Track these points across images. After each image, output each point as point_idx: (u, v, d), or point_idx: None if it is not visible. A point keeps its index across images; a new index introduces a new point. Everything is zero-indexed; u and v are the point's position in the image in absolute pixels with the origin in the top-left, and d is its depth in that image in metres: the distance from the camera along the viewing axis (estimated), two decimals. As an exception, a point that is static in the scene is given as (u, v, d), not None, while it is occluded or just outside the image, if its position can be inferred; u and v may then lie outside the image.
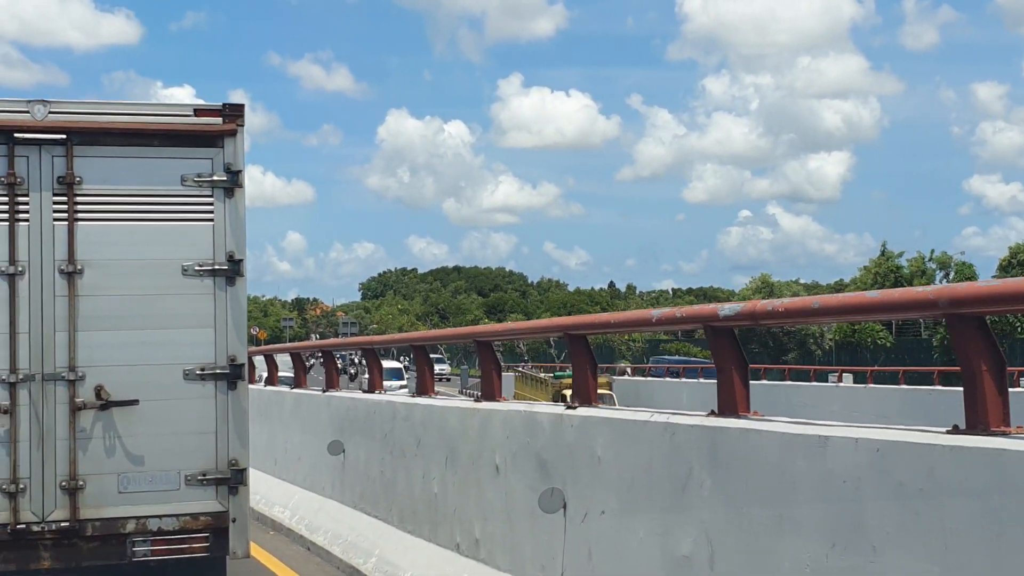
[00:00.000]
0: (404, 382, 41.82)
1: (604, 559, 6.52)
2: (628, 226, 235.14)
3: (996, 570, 3.97)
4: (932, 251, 75.66)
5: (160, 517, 7.61)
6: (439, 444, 9.06)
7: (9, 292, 7.44)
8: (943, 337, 56.21)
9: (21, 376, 7.43)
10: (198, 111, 7.79)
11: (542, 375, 40.08)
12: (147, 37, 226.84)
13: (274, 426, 14.42)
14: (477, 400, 8.61)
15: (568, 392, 21.46)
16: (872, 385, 33.66)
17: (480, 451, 8.26)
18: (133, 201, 7.70)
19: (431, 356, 10.41)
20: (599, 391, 6.43)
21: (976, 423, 4.27)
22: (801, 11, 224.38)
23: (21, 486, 7.40)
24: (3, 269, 7.44)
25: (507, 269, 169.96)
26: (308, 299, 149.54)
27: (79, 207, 7.59)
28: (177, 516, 7.64)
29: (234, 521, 7.73)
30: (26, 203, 7.51)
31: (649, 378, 42.05)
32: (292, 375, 15.26)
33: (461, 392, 44.33)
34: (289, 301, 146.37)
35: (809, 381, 38.60)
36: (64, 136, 7.56)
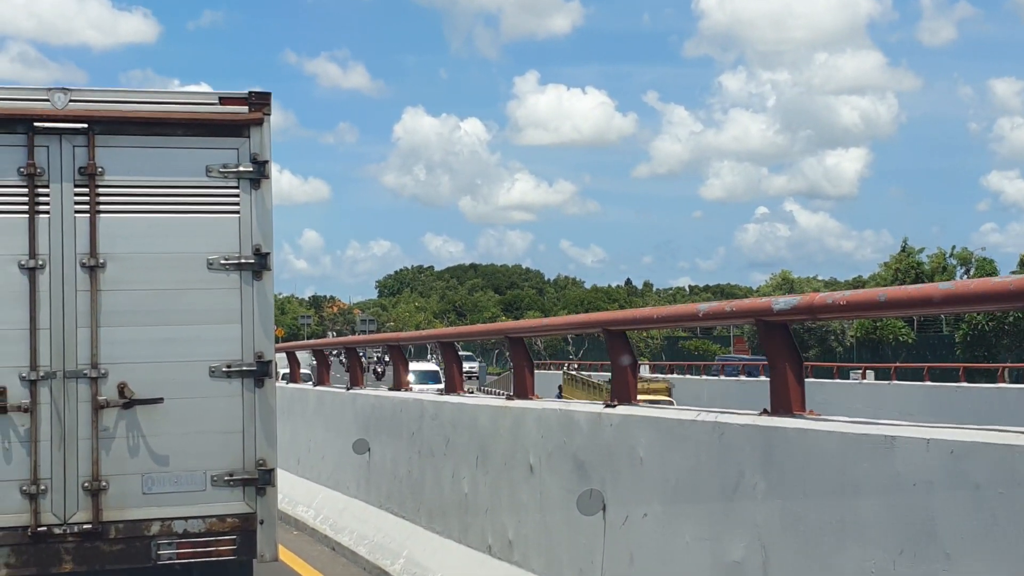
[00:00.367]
0: (442, 386, 41.29)
1: (647, 563, 6.25)
2: (644, 223, 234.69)
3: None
4: (953, 247, 75.15)
5: (186, 519, 7.37)
6: (469, 443, 8.82)
7: (30, 287, 7.21)
8: (966, 333, 55.70)
9: (42, 373, 7.20)
10: (223, 99, 7.55)
11: (592, 377, 38.00)
12: (164, 36, 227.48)
13: (297, 424, 14.19)
14: (509, 398, 8.35)
15: (648, 397, 20.08)
16: (896, 382, 33.28)
17: (513, 451, 8.01)
18: (156, 192, 7.46)
19: (460, 354, 10.15)
20: (658, 397, 6.16)
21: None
22: (818, 7, 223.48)
23: (42, 487, 7.17)
24: (23, 263, 7.21)
25: (524, 266, 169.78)
26: (325, 297, 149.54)
27: (101, 199, 7.36)
28: (203, 518, 7.40)
29: (262, 523, 7.49)
30: (46, 195, 7.28)
31: (716, 378, 40.31)
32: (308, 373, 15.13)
33: (479, 390, 44.09)
34: (306, 299, 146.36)
35: (832, 378, 38.25)
36: (85, 125, 7.32)
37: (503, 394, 9.56)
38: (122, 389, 7.31)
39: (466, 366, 54.46)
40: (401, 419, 10.52)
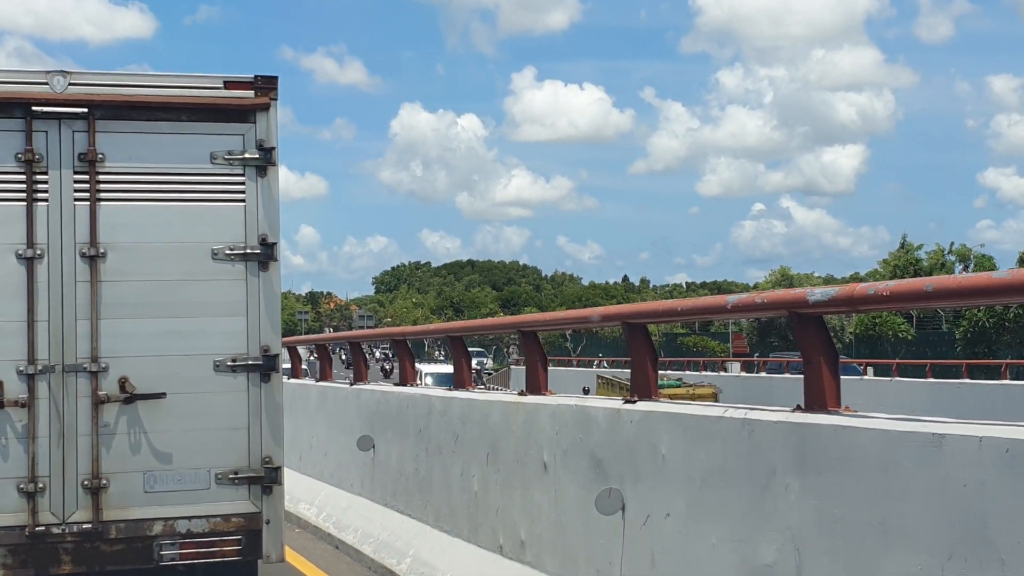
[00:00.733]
0: None
1: (670, 565, 6.01)
2: (641, 220, 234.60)
3: None
4: (952, 244, 75.08)
5: (189, 519, 7.12)
6: (480, 440, 8.57)
7: (27, 277, 6.96)
8: (966, 330, 55.50)
9: (40, 367, 6.95)
10: (228, 83, 7.30)
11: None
12: (161, 31, 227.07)
13: (298, 420, 13.93)
14: (521, 393, 8.11)
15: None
16: (898, 378, 33.03)
17: (526, 448, 7.76)
18: (159, 180, 7.21)
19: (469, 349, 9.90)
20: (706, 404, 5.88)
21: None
22: (815, 3, 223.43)
23: (40, 485, 6.92)
24: (21, 252, 6.96)
25: (521, 263, 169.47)
26: (322, 293, 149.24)
27: (101, 186, 7.10)
28: (207, 517, 7.15)
29: (268, 523, 7.25)
30: (45, 182, 7.03)
31: (778, 376, 39.17)
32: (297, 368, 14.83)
33: (481, 386, 43.68)
34: (303, 295, 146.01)
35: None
36: (85, 110, 7.07)
37: (499, 389, 9.35)
38: (123, 384, 7.06)
39: (475, 362, 54.08)
40: (407, 415, 10.27)
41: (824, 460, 4.85)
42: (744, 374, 41.90)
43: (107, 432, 7.05)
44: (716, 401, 27.20)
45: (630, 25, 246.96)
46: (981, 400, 27.34)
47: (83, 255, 7.05)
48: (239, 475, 7.21)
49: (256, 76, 7.33)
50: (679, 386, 25.50)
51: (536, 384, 7.98)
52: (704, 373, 39.24)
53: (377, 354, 63.87)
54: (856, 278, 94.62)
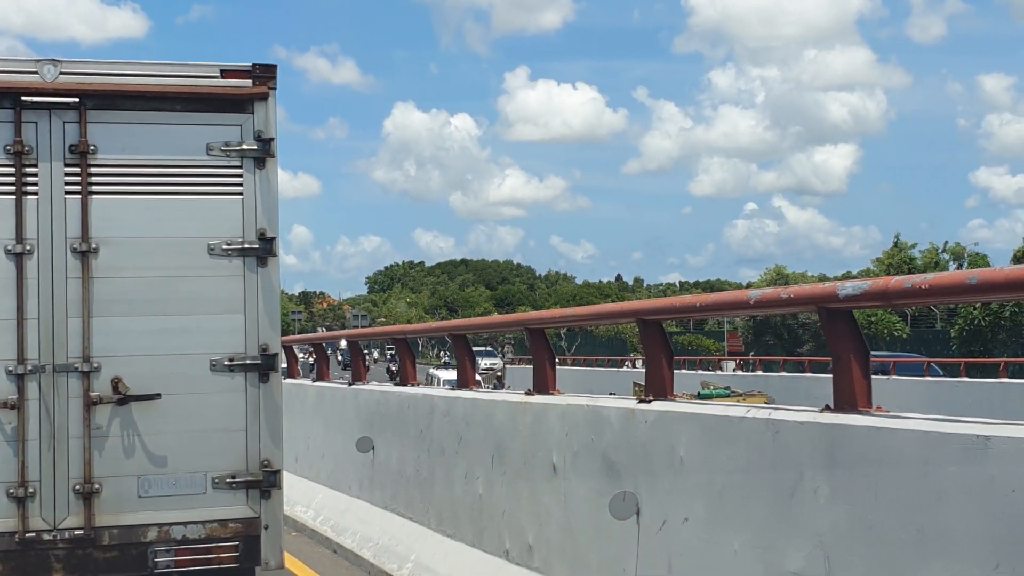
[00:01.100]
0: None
1: (689, 572, 5.76)
2: (635, 219, 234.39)
3: None
4: (945, 242, 75.06)
5: (185, 524, 6.85)
6: (484, 441, 8.32)
7: (16, 273, 6.68)
8: (962, 328, 55.34)
9: (30, 367, 6.68)
10: (225, 72, 7.03)
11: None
12: (153, 31, 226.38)
13: (295, 421, 13.65)
14: (528, 393, 7.85)
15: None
16: (895, 376, 32.79)
17: (534, 449, 7.51)
18: (153, 172, 6.94)
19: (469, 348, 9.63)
20: None
21: None
22: (808, 3, 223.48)
23: (31, 490, 6.65)
24: (9, 248, 6.68)
25: (515, 262, 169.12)
26: (315, 292, 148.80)
27: (94, 179, 6.83)
28: (204, 523, 6.88)
29: (267, 528, 6.98)
30: (35, 174, 6.75)
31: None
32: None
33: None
34: (296, 295, 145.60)
35: (828, 373, 37.73)
36: (77, 99, 6.79)
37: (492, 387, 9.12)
38: (116, 384, 6.79)
39: (487, 362, 53.51)
40: (408, 416, 10.01)
41: (857, 463, 4.61)
42: (740, 373, 41.70)
43: (99, 434, 6.78)
44: None
45: (623, 25, 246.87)
46: (980, 399, 27.13)
47: (74, 250, 6.78)
48: (237, 479, 6.95)
49: (254, 64, 7.06)
50: (727, 395, 25.09)
51: (544, 383, 7.72)
52: (700, 372, 38.97)
53: (376, 355, 63.24)
54: (849, 277, 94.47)
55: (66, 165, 6.79)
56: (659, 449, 6.01)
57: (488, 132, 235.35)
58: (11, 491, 6.61)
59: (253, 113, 7.06)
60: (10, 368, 6.65)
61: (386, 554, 9.61)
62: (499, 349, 69.54)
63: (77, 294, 6.76)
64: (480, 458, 8.36)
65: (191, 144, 6.98)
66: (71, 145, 6.80)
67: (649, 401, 6.24)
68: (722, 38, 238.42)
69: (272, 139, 7.08)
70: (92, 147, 6.82)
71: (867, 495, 4.56)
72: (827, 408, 4.94)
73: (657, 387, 6.25)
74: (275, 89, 7.10)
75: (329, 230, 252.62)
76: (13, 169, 6.71)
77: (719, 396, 28.79)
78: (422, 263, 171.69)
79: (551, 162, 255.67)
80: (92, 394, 6.75)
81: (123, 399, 6.78)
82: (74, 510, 6.71)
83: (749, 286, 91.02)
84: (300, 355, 22.38)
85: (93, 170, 6.82)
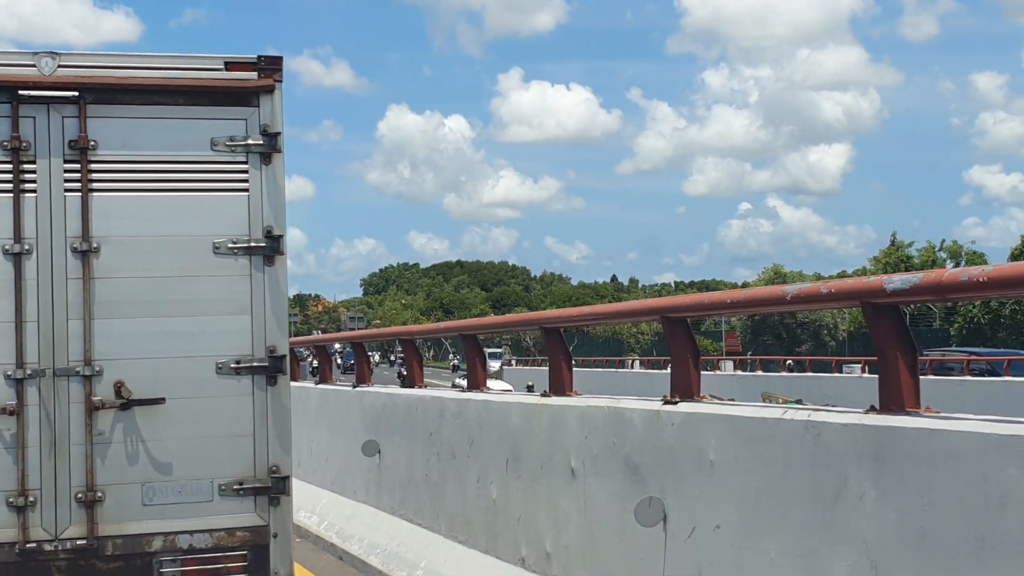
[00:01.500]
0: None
1: (720, 581, 5.52)
2: (629, 219, 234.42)
3: None
4: (942, 241, 74.99)
5: (191, 533, 6.58)
6: (498, 444, 8.07)
7: (14, 274, 6.41)
8: (961, 327, 55.22)
9: (29, 372, 6.40)
10: (229, 64, 6.76)
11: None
12: (146, 35, 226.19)
13: (298, 424, 13.31)
14: (544, 395, 7.61)
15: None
16: (1012, 378, 32.14)
17: (551, 453, 7.26)
18: (156, 168, 6.67)
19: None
20: None
21: None
22: (800, 3, 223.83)
23: (31, 499, 6.37)
24: (7, 248, 6.41)
25: (510, 263, 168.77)
26: (309, 295, 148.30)
27: (94, 176, 6.56)
28: (210, 532, 6.61)
29: (276, 537, 6.72)
30: (33, 171, 6.48)
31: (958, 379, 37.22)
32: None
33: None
34: (290, 297, 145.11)
35: (831, 372, 37.59)
36: (76, 93, 6.51)
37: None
38: (119, 389, 6.52)
39: (494, 364, 52.96)
40: (417, 418, 9.76)
41: (908, 467, 4.36)
42: (740, 373, 41.50)
43: (102, 441, 6.51)
44: None
45: (616, 26, 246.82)
46: (981, 397, 26.88)
47: (75, 250, 6.51)
48: (244, 486, 6.69)
49: (259, 56, 6.80)
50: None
51: (560, 384, 7.48)
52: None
53: (376, 357, 62.56)
54: (844, 275, 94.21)
55: (65, 161, 6.52)
56: (687, 452, 5.77)
57: (482, 134, 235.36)
58: (11, 500, 6.34)
59: (259, 107, 6.80)
60: (9, 373, 6.38)
61: (395, 560, 9.36)
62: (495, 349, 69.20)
63: (78, 295, 6.50)
64: (494, 462, 8.11)
65: (195, 139, 6.72)
66: (70, 141, 6.53)
67: (675, 402, 5.99)
68: (715, 38, 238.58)
69: (279, 133, 6.82)
70: (92, 142, 6.55)
71: (919, 500, 4.31)
72: (872, 409, 4.70)
73: (683, 388, 6.00)
74: (281, 82, 6.84)
75: (323, 233, 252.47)
76: (10, 166, 6.44)
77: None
78: (417, 265, 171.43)
79: (545, 163, 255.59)
80: (94, 399, 6.49)
81: (126, 404, 6.51)
82: (76, 519, 6.44)
83: (745, 285, 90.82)
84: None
85: (93, 166, 6.56)
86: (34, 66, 6.48)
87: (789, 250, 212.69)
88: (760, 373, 39.88)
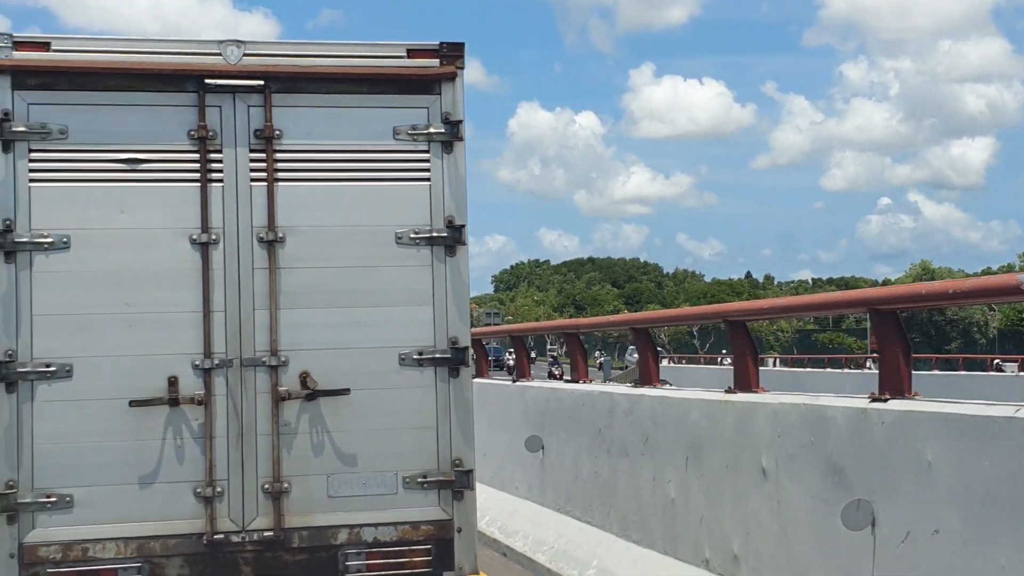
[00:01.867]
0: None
1: (939, 590, 5.17)
2: (764, 215, 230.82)
3: None
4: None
5: (375, 526, 6.50)
6: (676, 442, 7.81)
7: (202, 264, 6.42)
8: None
9: (217, 361, 6.40)
10: (411, 52, 6.67)
11: None
12: (284, 35, 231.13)
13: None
14: (729, 391, 7.32)
15: None
16: None
17: (737, 451, 6.98)
18: (339, 158, 6.61)
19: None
20: None
21: None
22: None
23: (219, 489, 6.37)
24: (194, 237, 6.42)
25: (641, 260, 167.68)
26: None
27: (279, 165, 6.53)
28: (395, 525, 6.53)
29: (460, 531, 6.61)
30: (219, 161, 6.48)
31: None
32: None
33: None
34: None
35: (985, 370, 36.27)
36: (261, 82, 6.49)
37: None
38: (304, 379, 6.48)
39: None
40: (583, 414, 9.56)
41: None
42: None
43: (288, 432, 6.47)
44: None
45: (751, 19, 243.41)
46: None
47: (260, 240, 6.49)
48: (428, 479, 6.59)
49: (441, 43, 6.69)
50: None
51: (746, 380, 7.19)
52: (846, 371, 37.75)
53: (550, 358, 62.05)
54: (988, 272, 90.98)
55: (251, 151, 6.51)
56: (901, 454, 5.43)
57: (613, 130, 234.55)
58: (198, 491, 6.35)
59: (440, 95, 6.70)
60: (197, 363, 6.39)
61: (563, 559, 9.18)
62: (630, 346, 68.57)
63: (263, 285, 6.48)
64: (671, 460, 7.86)
65: (377, 128, 6.64)
66: (256, 130, 6.51)
67: (885, 399, 5.66)
68: (853, 30, 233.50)
69: (460, 121, 6.71)
70: (277, 132, 6.52)
71: None
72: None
73: (894, 384, 5.67)
74: (463, 68, 6.72)
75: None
76: (197, 155, 6.45)
77: None
78: (547, 262, 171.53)
79: (677, 159, 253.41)
80: (280, 389, 6.45)
81: (311, 395, 6.46)
82: (263, 510, 6.42)
83: (887, 283, 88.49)
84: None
85: (279, 156, 6.53)
86: (220, 55, 6.47)
87: (932, 247, 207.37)
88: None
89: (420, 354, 6.60)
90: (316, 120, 6.58)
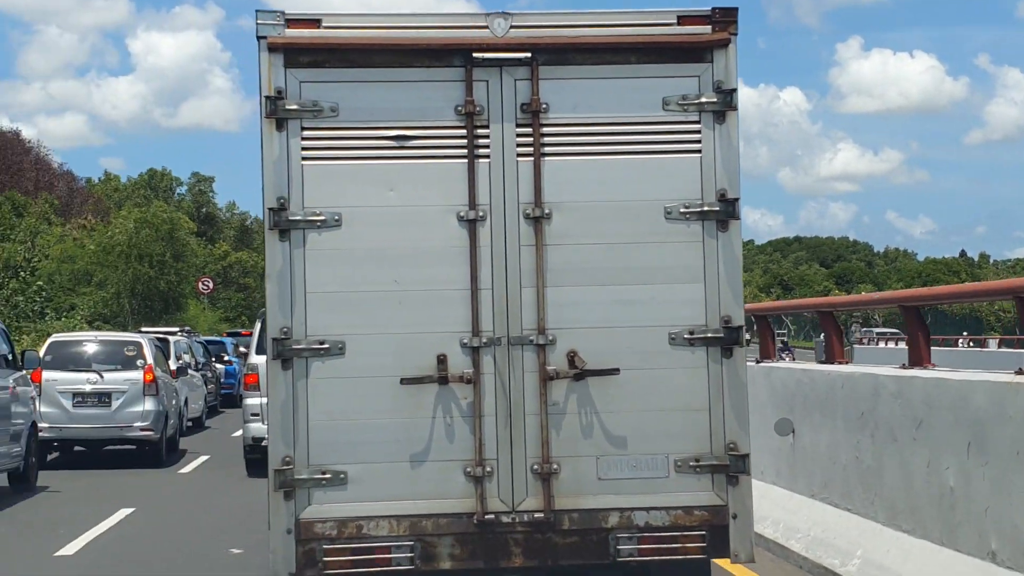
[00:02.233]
0: None
1: None
2: (978, 192, 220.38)
3: None
4: None
5: (647, 510, 6.32)
6: (955, 427, 7.33)
7: (469, 241, 6.35)
8: None
9: (485, 340, 6.33)
10: (682, 19, 6.44)
11: None
12: (548, 5, 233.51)
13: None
14: (1020, 372, 6.81)
15: None
16: None
17: (1032, 438, 6.48)
18: (607, 131, 6.44)
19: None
20: None
21: None
22: None
23: (488, 469, 6.30)
24: (463, 215, 6.36)
25: (850, 239, 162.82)
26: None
27: (546, 140, 6.40)
28: (667, 509, 6.33)
29: (735, 517, 6.37)
30: (486, 136, 6.39)
31: None
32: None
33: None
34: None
35: None
36: (529, 55, 6.37)
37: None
38: (572, 358, 6.34)
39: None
40: (839, 397, 9.14)
41: None
42: None
43: (556, 412, 6.35)
44: None
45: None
46: None
47: (527, 216, 6.38)
48: (701, 463, 6.36)
49: (713, 9, 6.43)
50: None
51: (1040, 362, 6.66)
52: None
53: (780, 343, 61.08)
54: None
55: (517, 125, 6.40)
56: None
57: (819, 106, 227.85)
58: (468, 470, 6.30)
59: (712, 62, 6.44)
60: (465, 341, 6.33)
61: (822, 547, 8.81)
62: (849, 327, 66.56)
63: (530, 263, 6.37)
64: (949, 446, 7.39)
65: (646, 99, 6.43)
66: (522, 104, 6.39)
67: None
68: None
69: (733, 90, 6.43)
70: (544, 105, 6.39)
71: None
72: None
73: None
74: (736, 35, 6.44)
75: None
76: (464, 131, 6.38)
77: None
78: (751, 241, 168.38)
79: (886, 134, 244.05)
80: (548, 368, 6.33)
81: (580, 374, 6.32)
82: (532, 491, 6.32)
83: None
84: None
85: (545, 130, 6.40)
86: (487, 28, 6.38)
87: None
88: None
89: (691, 333, 6.38)
90: (583, 92, 6.42)
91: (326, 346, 6.28)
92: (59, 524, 12.74)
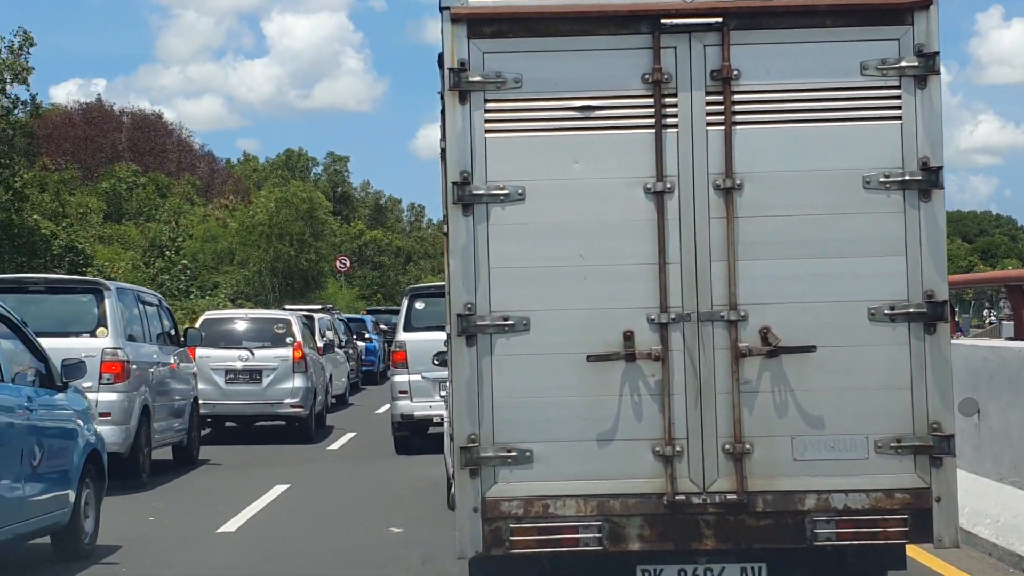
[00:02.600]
0: None
1: None
2: None
3: None
4: None
5: (846, 492, 6.05)
6: None
7: (656, 215, 6.15)
8: None
9: (673, 316, 6.12)
10: (880, -21, 6.10)
11: None
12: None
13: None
14: None
15: None
16: None
17: None
18: (800, 98, 6.15)
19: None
20: None
21: None
22: None
23: (678, 449, 6.11)
24: (650, 187, 6.15)
25: (992, 212, 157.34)
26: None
27: (737, 107, 6.14)
28: (867, 492, 6.05)
29: (939, 501, 6.06)
30: (674, 105, 6.17)
31: None
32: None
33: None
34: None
35: None
36: (719, 20, 6.12)
37: None
38: (765, 335, 6.09)
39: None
40: (1031, 376, 8.71)
41: None
42: None
43: (748, 390, 6.12)
44: None
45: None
46: None
47: (716, 187, 6.14)
48: (902, 444, 6.06)
49: (917, -32, 6.08)
50: None
51: None
52: None
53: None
54: None
55: (707, 93, 6.16)
56: None
57: (958, 77, 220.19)
58: (657, 449, 6.11)
59: (913, 24, 6.10)
60: (653, 317, 6.14)
61: (1014, 533, 8.42)
62: (983, 304, 64.27)
63: (720, 236, 6.13)
64: None
65: (841, 64, 6.13)
66: (712, 71, 6.15)
67: None
68: None
69: (936, 53, 6.09)
70: (735, 72, 6.13)
71: None
72: None
73: None
74: (938, -6, 6.09)
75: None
76: (651, 99, 6.16)
77: None
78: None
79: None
80: (740, 345, 6.10)
81: (773, 351, 6.07)
82: (724, 472, 6.10)
83: None
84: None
85: (736, 98, 6.14)
86: (675, -8, 6.14)
87: None
88: None
89: (892, 308, 6.07)
90: (776, 58, 6.15)
91: (510, 322, 6.16)
92: (219, 499, 13.00)
